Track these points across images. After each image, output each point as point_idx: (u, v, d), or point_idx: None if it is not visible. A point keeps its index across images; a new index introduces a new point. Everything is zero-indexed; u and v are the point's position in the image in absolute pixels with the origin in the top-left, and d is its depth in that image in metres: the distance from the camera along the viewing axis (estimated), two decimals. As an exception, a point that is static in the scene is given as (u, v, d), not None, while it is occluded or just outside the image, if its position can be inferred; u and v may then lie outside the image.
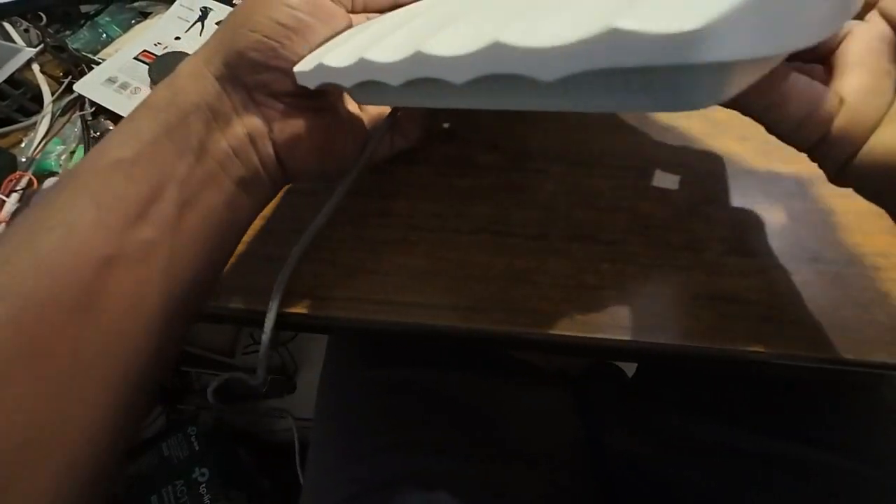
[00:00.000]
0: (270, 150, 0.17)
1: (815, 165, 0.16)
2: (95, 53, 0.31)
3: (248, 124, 0.17)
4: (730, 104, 0.16)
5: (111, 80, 0.29)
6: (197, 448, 0.64)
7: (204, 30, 0.31)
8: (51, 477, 0.12)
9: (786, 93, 0.15)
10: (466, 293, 0.21)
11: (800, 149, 0.16)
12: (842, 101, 0.15)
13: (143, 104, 0.16)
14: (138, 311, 0.14)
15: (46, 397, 0.12)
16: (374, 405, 0.33)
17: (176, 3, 0.32)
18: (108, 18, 0.33)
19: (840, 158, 0.15)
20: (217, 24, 0.32)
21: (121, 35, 0.32)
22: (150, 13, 0.34)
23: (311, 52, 0.17)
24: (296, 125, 0.17)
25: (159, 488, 0.60)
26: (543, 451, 0.33)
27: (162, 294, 0.14)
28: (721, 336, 0.19)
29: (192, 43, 0.31)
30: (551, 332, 0.20)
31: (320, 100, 0.18)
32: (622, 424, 0.35)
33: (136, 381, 0.14)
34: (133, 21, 0.33)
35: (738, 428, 0.29)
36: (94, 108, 0.28)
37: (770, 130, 0.16)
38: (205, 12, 0.32)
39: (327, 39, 0.17)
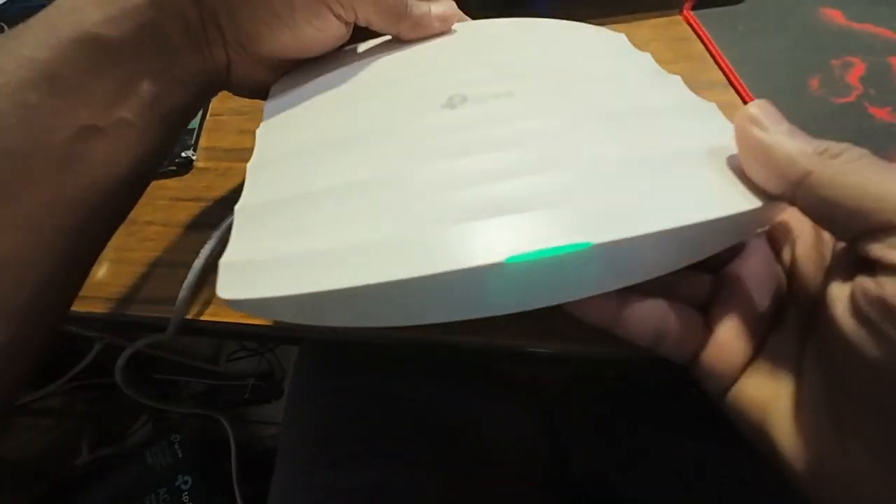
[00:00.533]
0: (227, 80, 0.20)
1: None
2: None
3: (215, 56, 0.18)
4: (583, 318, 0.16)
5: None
6: (180, 455, 0.64)
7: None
8: None
9: (621, 316, 0.15)
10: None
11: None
12: (711, 332, 0.15)
13: None
14: (111, 176, 0.16)
15: (17, 232, 0.14)
16: (342, 413, 0.33)
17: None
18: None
19: (711, 390, 0.15)
20: None
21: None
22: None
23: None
24: (255, 73, 0.20)
25: (143, 496, 0.60)
26: (512, 463, 0.32)
27: (130, 165, 0.17)
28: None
29: None
30: (508, 342, 0.20)
31: (284, 61, 0.20)
32: (594, 440, 0.34)
33: (99, 234, 0.17)
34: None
35: (711, 444, 0.28)
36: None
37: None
38: None
39: (317, 42, 0.18)
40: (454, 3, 0.21)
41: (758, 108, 0.13)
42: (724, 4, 0.30)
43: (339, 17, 0.18)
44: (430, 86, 0.17)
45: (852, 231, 0.11)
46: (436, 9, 0.20)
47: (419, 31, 0.20)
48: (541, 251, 0.11)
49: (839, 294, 0.12)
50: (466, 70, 0.18)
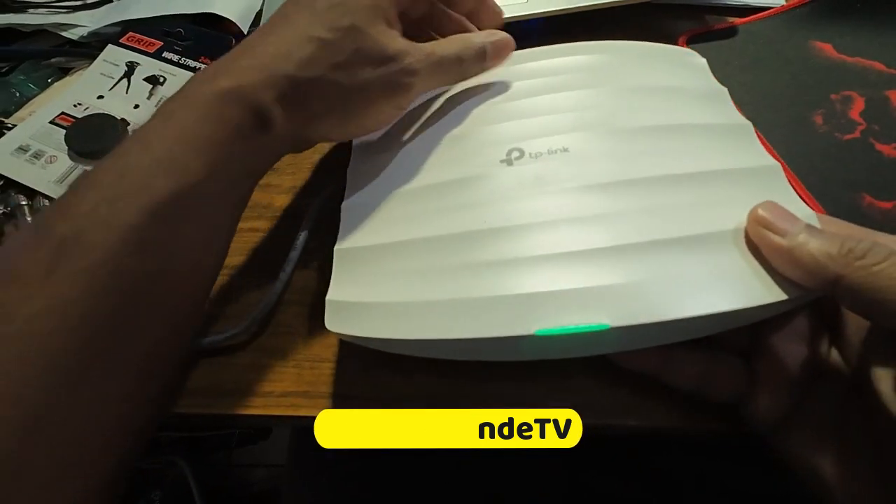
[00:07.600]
0: (306, 146, 0.21)
1: None
2: (8, 116, 0.28)
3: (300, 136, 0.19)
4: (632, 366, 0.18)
5: (22, 149, 0.26)
6: (162, 515, 0.59)
7: (130, 87, 0.29)
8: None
9: (666, 369, 0.17)
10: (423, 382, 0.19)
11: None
12: (756, 381, 0.16)
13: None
14: (213, 238, 0.18)
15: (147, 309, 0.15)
16: (351, 455, 0.31)
17: (99, 58, 0.30)
18: (21, 76, 0.30)
19: (757, 430, 0.16)
20: (144, 79, 0.29)
21: (37, 94, 0.29)
22: (71, 69, 0.31)
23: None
24: (332, 138, 0.21)
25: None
26: (529, 499, 0.31)
27: (225, 228, 0.18)
28: (689, 417, 0.18)
29: (116, 102, 0.28)
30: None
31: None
32: (612, 466, 0.33)
33: (207, 289, 0.19)
34: (50, 79, 0.30)
35: (709, 458, 0.28)
36: (1, 182, 0.25)
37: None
38: (131, 68, 0.29)
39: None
40: (509, 36, 0.21)
41: (766, 210, 0.14)
42: (717, 38, 0.30)
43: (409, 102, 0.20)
44: (491, 138, 0.19)
45: (892, 324, 0.13)
46: (490, 45, 0.20)
47: (476, 73, 0.21)
48: (565, 328, 0.14)
49: (883, 374, 0.13)
50: (527, 116, 0.20)
